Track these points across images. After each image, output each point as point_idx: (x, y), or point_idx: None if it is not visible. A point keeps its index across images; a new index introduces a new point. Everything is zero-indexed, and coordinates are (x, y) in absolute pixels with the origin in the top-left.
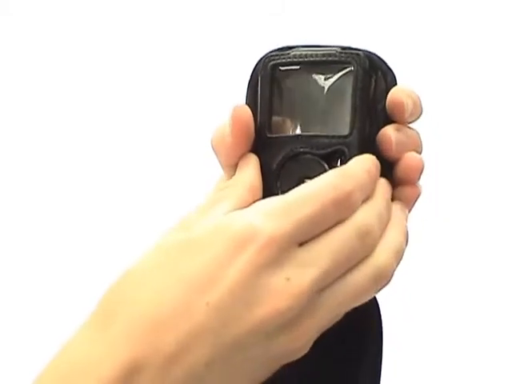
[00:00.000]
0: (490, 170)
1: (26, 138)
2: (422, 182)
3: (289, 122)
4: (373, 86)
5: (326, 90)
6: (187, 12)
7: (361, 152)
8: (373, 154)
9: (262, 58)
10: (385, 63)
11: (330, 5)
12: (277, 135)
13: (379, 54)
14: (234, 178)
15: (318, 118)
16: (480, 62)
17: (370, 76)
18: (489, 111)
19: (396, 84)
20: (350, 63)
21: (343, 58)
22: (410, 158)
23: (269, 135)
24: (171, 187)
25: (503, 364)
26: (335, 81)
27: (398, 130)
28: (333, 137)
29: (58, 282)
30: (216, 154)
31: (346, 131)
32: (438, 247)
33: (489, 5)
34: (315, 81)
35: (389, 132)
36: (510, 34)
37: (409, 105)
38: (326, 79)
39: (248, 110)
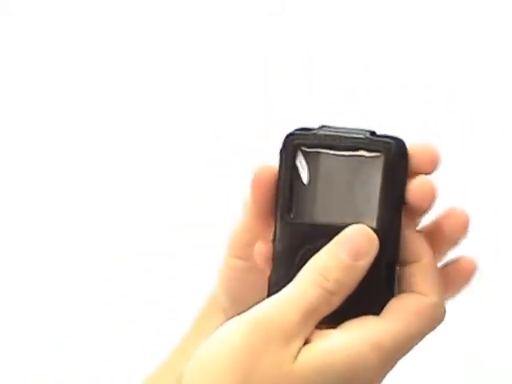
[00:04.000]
0: (489, 170)
1: (26, 137)
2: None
3: (311, 206)
4: (403, 177)
5: (351, 176)
6: (186, 12)
7: (385, 247)
8: (397, 247)
9: (287, 135)
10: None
11: (330, 5)
12: (298, 221)
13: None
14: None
15: (342, 205)
16: (481, 65)
17: (400, 167)
18: (489, 112)
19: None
20: (379, 152)
21: (373, 146)
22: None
23: (289, 220)
24: (171, 187)
25: (502, 364)
26: (362, 168)
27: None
28: None
29: (57, 282)
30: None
31: (372, 224)
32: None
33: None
34: (340, 166)
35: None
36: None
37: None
38: (351, 165)
39: (269, 171)
